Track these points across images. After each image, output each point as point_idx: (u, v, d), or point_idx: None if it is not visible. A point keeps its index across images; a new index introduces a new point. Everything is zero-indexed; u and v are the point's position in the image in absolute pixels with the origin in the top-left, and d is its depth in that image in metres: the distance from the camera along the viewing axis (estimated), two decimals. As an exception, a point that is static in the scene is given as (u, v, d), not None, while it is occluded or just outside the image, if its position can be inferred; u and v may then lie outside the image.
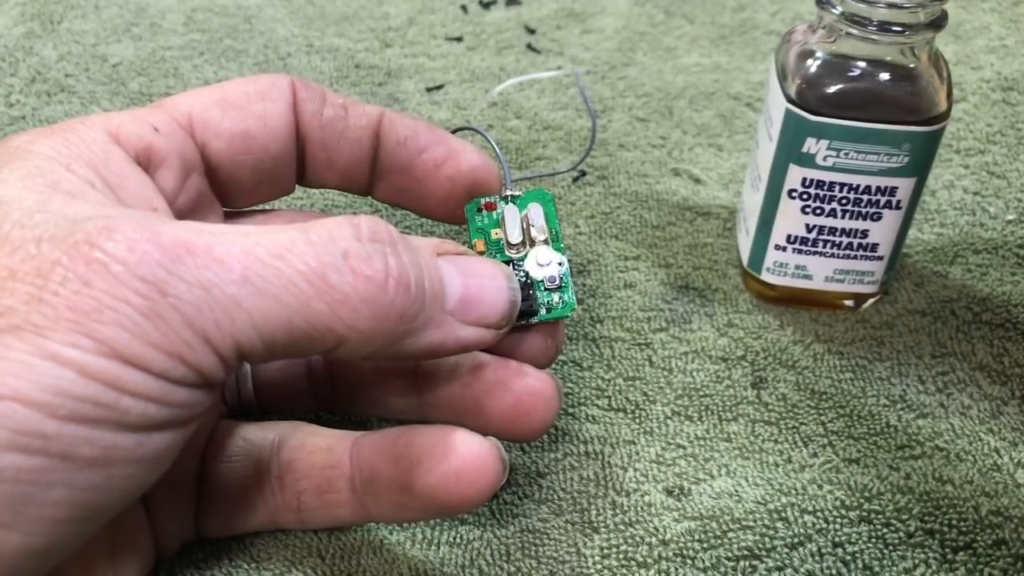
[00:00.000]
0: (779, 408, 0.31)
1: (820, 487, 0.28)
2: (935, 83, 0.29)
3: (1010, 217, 0.38)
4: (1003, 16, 0.51)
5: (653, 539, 0.27)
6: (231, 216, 0.29)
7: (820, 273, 0.33)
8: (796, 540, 0.27)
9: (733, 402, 0.31)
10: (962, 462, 0.29)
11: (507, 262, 0.27)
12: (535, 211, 0.27)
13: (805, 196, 0.31)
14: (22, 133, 0.23)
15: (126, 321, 0.19)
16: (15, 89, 0.45)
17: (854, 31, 0.29)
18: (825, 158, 0.30)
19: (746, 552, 0.27)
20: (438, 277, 0.23)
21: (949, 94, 0.30)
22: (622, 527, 0.28)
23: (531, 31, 0.50)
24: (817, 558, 0.27)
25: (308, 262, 0.20)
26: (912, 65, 0.29)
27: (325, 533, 0.27)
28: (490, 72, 0.47)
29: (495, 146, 0.29)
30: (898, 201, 0.31)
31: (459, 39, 0.50)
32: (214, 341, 0.20)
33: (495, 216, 0.28)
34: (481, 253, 0.27)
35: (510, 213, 0.27)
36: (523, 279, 0.26)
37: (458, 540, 0.27)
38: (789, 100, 0.30)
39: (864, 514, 0.28)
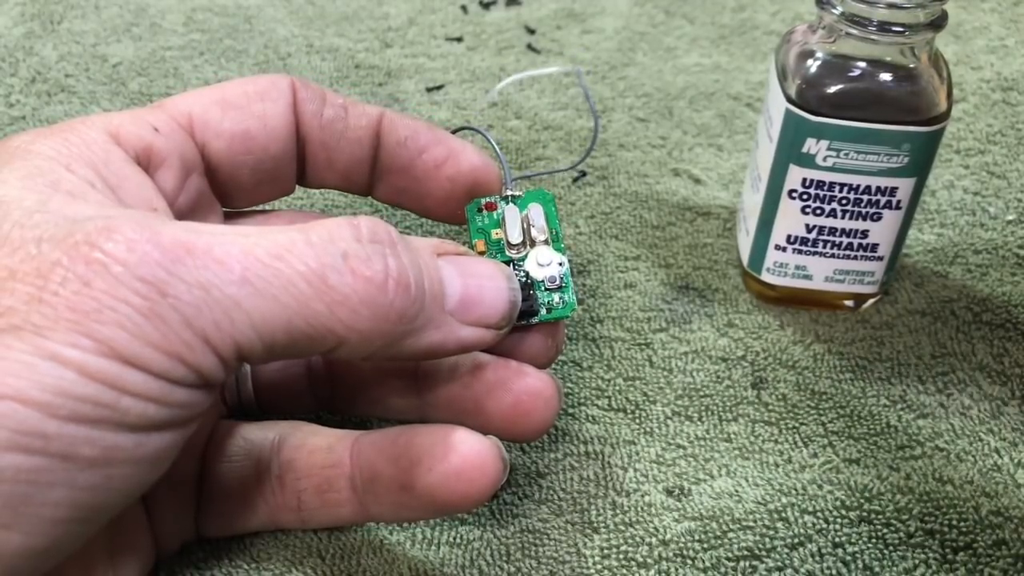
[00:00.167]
0: (779, 408, 0.31)
1: (820, 487, 0.28)
2: (935, 83, 0.29)
3: (1010, 217, 0.38)
4: (1003, 16, 0.51)
5: (653, 539, 0.27)
6: (231, 216, 0.29)
7: (820, 273, 0.33)
8: (796, 540, 0.27)
9: (733, 402, 0.31)
10: (962, 462, 0.29)
11: (507, 262, 0.27)
12: (535, 211, 0.27)
13: (805, 196, 0.31)
14: (22, 133, 0.23)
15: (126, 321, 0.19)
16: (15, 89, 0.45)
17: (854, 31, 0.29)
18: (825, 158, 0.30)
19: (746, 552, 0.27)
20: (438, 278, 0.23)
21: (949, 94, 0.30)
22: (622, 527, 0.28)
23: (531, 31, 0.50)
24: (817, 558, 0.27)
25: (308, 263, 0.20)
26: (912, 65, 0.29)
27: (325, 533, 0.27)
28: (490, 72, 0.47)
29: (495, 146, 0.29)
30: (898, 201, 0.31)
31: (459, 39, 0.50)
32: (213, 341, 0.20)
33: (495, 216, 0.28)
34: (481, 253, 0.27)
35: (510, 213, 0.27)
36: (523, 279, 0.26)
37: (458, 540, 0.27)
38: (789, 100, 0.30)
39: (864, 514, 0.28)
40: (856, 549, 0.27)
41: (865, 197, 0.31)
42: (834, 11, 0.29)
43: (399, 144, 0.28)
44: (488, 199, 0.28)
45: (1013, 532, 0.27)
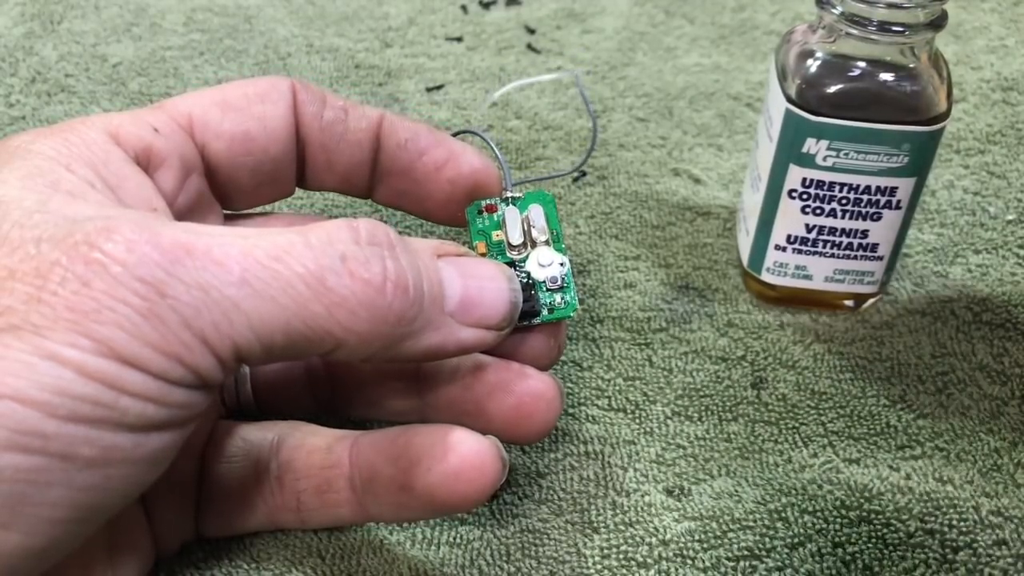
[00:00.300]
0: (779, 408, 0.31)
1: (820, 487, 0.28)
2: (935, 83, 0.29)
3: (1010, 217, 0.38)
4: (1003, 16, 0.51)
5: (653, 539, 0.27)
6: (231, 218, 0.29)
7: (820, 273, 0.33)
8: (796, 540, 0.27)
9: (733, 402, 0.31)
10: (962, 462, 0.29)
11: (509, 263, 0.27)
12: (536, 212, 0.27)
13: (805, 196, 0.31)
14: (22, 133, 0.23)
15: (125, 322, 0.19)
16: (15, 89, 0.45)
17: (854, 31, 0.29)
18: (825, 158, 0.30)
19: (746, 552, 0.27)
20: (437, 279, 0.23)
21: (949, 94, 0.30)
22: (622, 527, 0.28)
23: (531, 31, 0.50)
24: (817, 558, 0.27)
25: (306, 265, 0.20)
26: (912, 65, 0.29)
27: (325, 533, 0.27)
28: (490, 72, 0.47)
29: (495, 149, 0.29)
30: (898, 201, 0.31)
31: (459, 39, 0.50)
32: (212, 342, 0.20)
33: (496, 218, 0.28)
34: (482, 255, 0.27)
35: (511, 215, 0.27)
36: (525, 280, 0.26)
37: (458, 540, 0.27)
38: (789, 100, 0.30)
39: (864, 514, 0.28)
40: (856, 549, 0.27)
41: (865, 197, 0.31)
42: (834, 11, 0.29)
43: (399, 146, 0.28)
44: (488, 201, 0.28)
45: (1013, 532, 0.27)
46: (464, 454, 0.23)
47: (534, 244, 0.27)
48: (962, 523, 0.27)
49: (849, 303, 0.34)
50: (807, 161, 0.30)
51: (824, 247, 0.32)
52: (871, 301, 0.34)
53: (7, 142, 0.23)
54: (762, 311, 0.34)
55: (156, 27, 0.50)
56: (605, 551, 0.27)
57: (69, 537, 0.20)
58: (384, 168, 0.28)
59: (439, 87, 0.46)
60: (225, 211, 0.28)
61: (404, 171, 0.28)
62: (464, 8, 0.52)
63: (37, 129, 0.23)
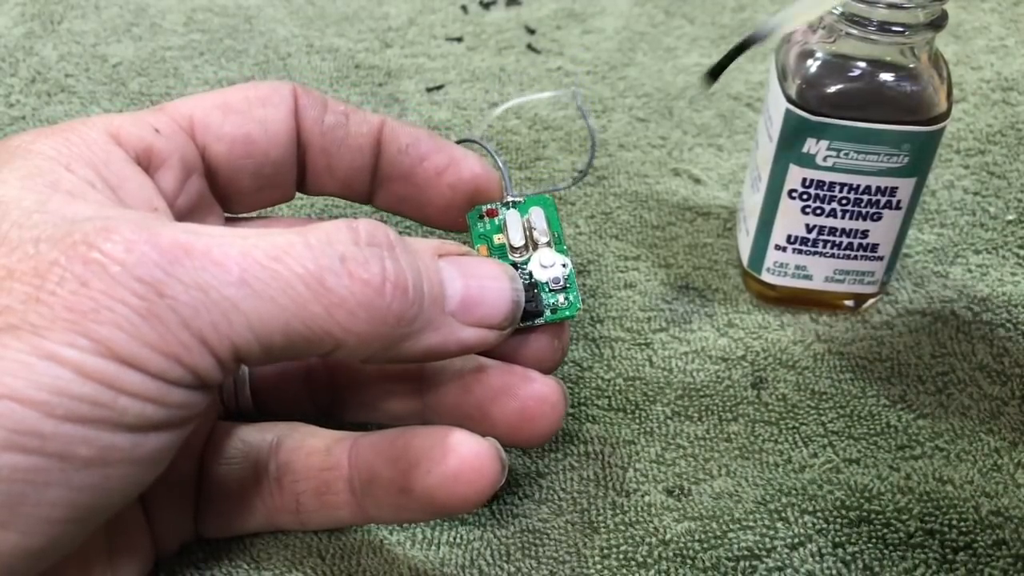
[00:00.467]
0: (779, 408, 0.31)
1: (820, 487, 0.28)
2: (935, 83, 0.29)
3: (1010, 217, 0.38)
4: (1003, 16, 0.51)
5: (653, 539, 0.27)
6: (231, 221, 0.29)
7: (820, 273, 0.33)
8: (796, 540, 0.27)
9: (733, 402, 0.31)
10: (962, 462, 0.29)
11: (511, 266, 0.27)
12: (537, 215, 0.27)
13: (805, 196, 0.31)
14: (23, 133, 0.23)
15: (123, 321, 0.19)
16: (15, 89, 0.45)
17: (854, 31, 0.29)
18: (825, 158, 0.30)
19: (746, 552, 0.27)
20: (438, 279, 0.23)
21: (949, 94, 0.30)
22: (622, 527, 0.27)
23: (531, 31, 0.50)
24: (817, 558, 0.27)
25: (306, 265, 0.20)
26: (912, 65, 0.29)
27: (325, 533, 0.27)
28: (490, 72, 0.47)
29: (496, 156, 0.29)
30: (898, 201, 0.31)
31: (459, 39, 0.50)
32: (211, 343, 0.20)
33: (497, 222, 0.28)
34: None
35: (512, 218, 0.27)
36: (527, 281, 0.26)
37: (458, 540, 0.27)
38: (789, 100, 0.30)
39: (864, 514, 0.28)
40: (856, 549, 0.27)
41: (865, 197, 0.31)
42: (834, 11, 0.29)
43: (400, 151, 0.28)
44: (489, 206, 0.28)
45: (1013, 532, 0.27)
46: (463, 456, 0.23)
47: (536, 246, 0.27)
48: (962, 523, 0.27)
49: (849, 303, 0.34)
50: (807, 161, 0.30)
51: (824, 247, 0.32)
52: (871, 301, 0.34)
53: (8, 142, 0.23)
54: (762, 311, 0.34)
55: (156, 27, 0.50)
56: (605, 551, 0.27)
57: (68, 537, 0.20)
58: (385, 173, 0.29)
59: (439, 87, 0.46)
60: (226, 214, 0.28)
61: (405, 176, 0.28)
62: (464, 8, 0.52)
63: (38, 129, 0.23)
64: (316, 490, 0.25)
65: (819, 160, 0.30)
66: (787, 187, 0.31)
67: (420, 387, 0.27)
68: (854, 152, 0.30)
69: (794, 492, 0.28)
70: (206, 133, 0.26)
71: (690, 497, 0.28)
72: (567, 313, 0.26)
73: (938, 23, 0.28)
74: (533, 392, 0.25)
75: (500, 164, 0.28)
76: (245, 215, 0.30)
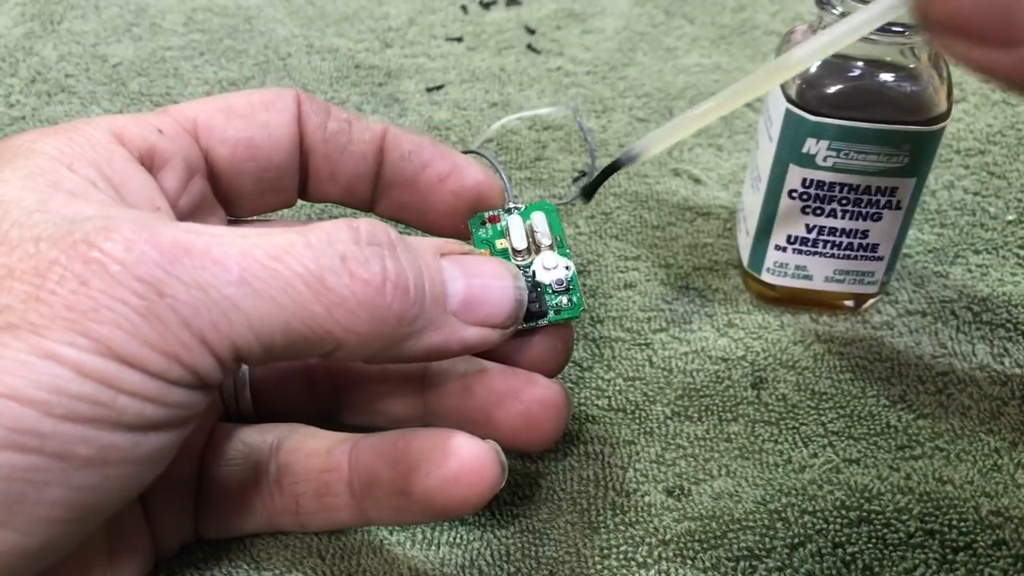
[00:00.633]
0: (779, 408, 0.31)
1: (820, 487, 0.28)
2: (935, 83, 0.29)
3: (1010, 217, 0.38)
4: (1004, 16, 0.51)
5: (653, 539, 0.27)
6: (232, 224, 0.29)
7: (820, 273, 0.33)
8: (796, 540, 0.27)
9: (733, 402, 0.31)
10: (962, 462, 0.29)
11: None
12: (539, 219, 0.27)
13: (805, 196, 0.31)
14: (26, 132, 0.23)
15: (123, 321, 0.19)
16: (15, 89, 0.45)
17: (854, 31, 0.29)
18: (825, 158, 0.30)
19: (746, 552, 0.27)
20: (439, 279, 0.23)
21: (949, 94, 0.30)
22: (622, 527, 0.27)
23: (531, 31, 0.50)
24: (817, 559, 0.27)
25: (306, 264, 0.20)
26: (912, 65, 0.29)
27: (325, 534, 0.27)
28: (490, 72, 0.47)
29: (498, 165, 0.29)
30: (898, 201, 0.31)
31: (459, 39, 0.50)
32: (211, 342, 0.19)
33: (499, 228, 0.28)
34: None
35: (514, 222, 0.27)
36: (530, 282, 0.26)
37: (458, 541, 0.27)
38: (789, 100, 0.30)
39: (864, 514, 0.28)
40: (856, 549, 0.27)
41: (865, 197, 0.31)
42: (834, 11, 0.29)
43: (403, 158, 0.28)
44: (491, 212, 0.28)
45: (1013, 532, 0.27)
46: (463, 458, 0.23)
47: (538, 249, 0.27)
48: (962, 523, 0.27)
49: (849, 303, 0.34)
50: (807, 161, 0.30)
51: (824, 247, 0.32)
52: (871, 301, 0.34)
53: (10, 141, 0.23)
54: (762, 311, 0.34)
55: (156, 27, 0.50)
56: (605, 551, 0.27)
57: (67, 537, 0.20)
58: (387, 180, 0.29)
59: (439, 87, 0.46)
60: (228, 218, 0.28)
61: (407, 183, 0.28)
62: (464, 8, 0.52)
63: (41, 128, 0.23)
64: (316, 492, 0.25)
65: (819, 160, 0.30)
66: (787, 187, 0.31)
67: (422, 389, 0.27)
68: (854, 152, 0.30)
69: (794, 492, 0.28)
70: (209, 136, 0.26)
71: (690, 497, 0.28)
72: (571, 313, 0.26)
73: (938, 23, 0.28)
74: (537, 396, 0.25)
75: (500, 171, 0.29)
76: (246, 219, 0.30)
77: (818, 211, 0.31)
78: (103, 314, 0.19)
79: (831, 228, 0.32)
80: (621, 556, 0.27)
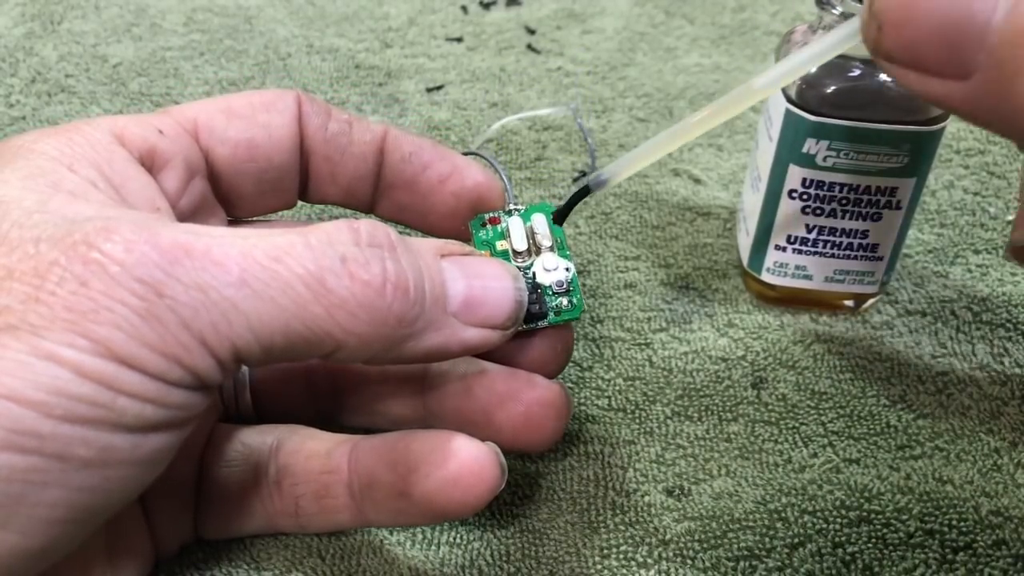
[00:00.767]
0: (779, 408, 0.31)
1: (820, 487, 0.28)
2: (935, 83, 0.29)
3: (1010, 217, 0.38)
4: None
5: (653, 539, 0.27)
6: (233, 225, 0.29)
7: (820, 273, 0.33)
8: (796, 540, 0.27)
9: (733, 402, 0.31)
10: (962, 462, 0.29)
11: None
12: (539, 221, 0.27)
13: (805, 196, 0.31)
14: (26, 133, 0.23)
15: (122, 322, 0.19)
16: (15, 89, 0.45)
17: (854, 31, 0.29)
18: (825, 158, 0.30)
19: (746, 552, 0.27)
20: (440, 280, 0.23)
21: (949, 94, 0.30)
22: (622, 527, 0.27)
23: (531, 31, 0.50)
24: (817, 558, 0.27)
25: (306, 265, 0.20)
26: (912, 65, 0.29)
27: (325, 534, 0.27)
28: (490, 72, 0.47)
29: (499, 167, 0.29)
30: (898, 201, 0.31)
31: (459, 39, 0.50)
32: (211, 343, 0.19)
33: (499, 229, 0.28)
34: None
35: (515, 223, 0.27)
36: (530, 284, 0.26)
37: (458, 541, 0.27)
38: (789, 100, 0.30)
39: (864, 514, 0.28)
40: (856, 549, 0.27)
41: (865, 197, 0.31)
42: (834, 11, 0.29)
43: (403, 160, 0.28)
44: (491, 214, 0.28)
45: (1013, 532, 0.27)
46: (463, 460, 0.23)
47: (539, 251, 0.27)
48: (962, 523, 0.27)
49: (849, 303, 0.34)
50: (807, 161, 0.30)
51: (824, 247, 0.32)
52: (871, 301, 0.34)
53: (10, 141, 0.23)
54: (762, 311, 0.34)
55: (156, 27, 0.50)
56: (605, 551, 0.27)
57: (67, 538, 0.20)
58: (387, 181, 0.29)
59: (439, 87, 0.46)
60: (227, 218, 0.28)
61: (407, 184, 0.29)
62: (464, 8, 0.52)
63: (41, 129, 0.23)
64: (315, 493, 0.25)
65: (819, 160, 0.30)
66: (787, 187, 0.31)
67: (422, 391, 0.27)
68: (854, 152, 0.30)
69: (794, 492, 0.28)
70: (210, 136, 0.26)
71: (690, 497, 0.28)
72: (571, 315, 0.26)
73: (938, 23, 0.28)
74: (537, 397, 0.25)
75: (501, 173, 0.29)
76: (247, 220, 0.30)
77: (818, 211, 0.31)
78: (103, 315, 0.19)
79: (831, 228, 0.32)
80: (621, 556, 0.27)
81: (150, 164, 0.25)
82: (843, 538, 0.27)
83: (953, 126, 0.43)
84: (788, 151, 0.30)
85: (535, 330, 0.26)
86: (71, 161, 0.22)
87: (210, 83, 0.46)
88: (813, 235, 0.32)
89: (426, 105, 0.45)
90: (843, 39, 0.22)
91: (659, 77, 0.47)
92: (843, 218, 0.31)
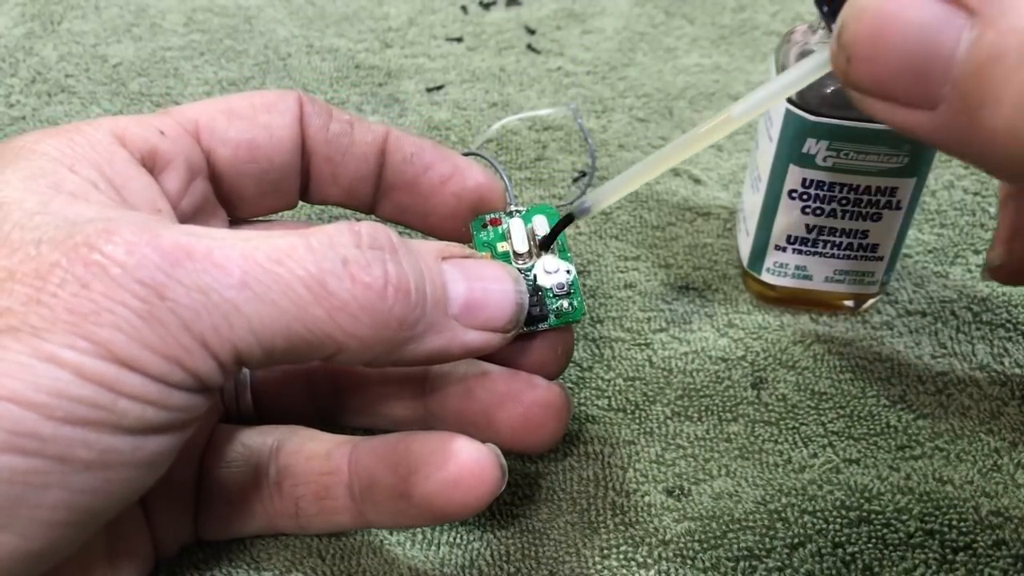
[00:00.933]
0: (779, 408, 0.31)
1: (820, 487, 0.28)
2: (935, 83, 0.29)
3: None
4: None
5: (653, 539, 0.27)
6: (234, 226, 0.29)
7: (820, 273, 0.33)
8: (796, 541, 0.27)
9: (733, 402, 0.31)
10: (962, 462, 0.29)
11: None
12: (540, 222, 0.28)
13: (805, 196, 0.31)
14: (27, 133, 0.23)
15: (124, 324, 0.19)
16: (15, 89, 0.45)
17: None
18: (825, 158, 0.30)
19: (746, 552, 0.27)
20: (441, 282, 0.23)
21: (949, 94, 0.30)
22: (622, 527, 0.28)
23: (531, 31, 0.50)
24: (817, 559, 0.27)
25: (307, 268, 0.20)
26: (912, 65, 0.29)
27: (325, 534, 0.27)
28: (490, 72, 0.47)
29: (500, 168, 0.29)
30: (898, 201, 0.31)
31: (459, 39, 0.50)
32: (212, 346, 0.19)
33: (500, 230, 0.28)
34: None
35: (516, 225, 0.27)
36: (531, 286, 0.26)
37: (458, 541, 0.27)
38: (789, 100, 0.30)
39: (864, 514, 0.28)
40: (856, 549, 0.27)
41: (865, 197, 0.31)
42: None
43: (405, 160, 0.28)
44: (492, 215, 0.28)
45: (1013, 532, 0.27)
46: (464, 462, 0.23)
47: (540, 253, 0.27)
48: (962, 523, 0.27)
49: (849, 303, 0.34)
50: (807, 161, 0.30)
51: (824, 247, 0.32)
52: (871, 301, 0.34)
53: (11, 142, 0.23)
54: (762, 311, 0.34)
55: (156, 27, 0.50)
56: (605, 551, 0.27)
57: (67, 540, 0.20)
58: (388, 182, 0.29)
59: (439, 87, 0.46)
60: (228, 218, 0.28)
61: (409, 185, 0.29)
62: (464, 8, 0.52)
63: (42, 129, 0.23)
64: (315, 494, 0.25)
65: (819, 160, 0.30)
66: (787, 187, 0.31)
67: (423, 392, 0.27)
68: (854, 152, 0.30)
69: (794, 492, 0.28)
70: (211, 137, 0.26)
71: (690, 497, 0.28)
72: (572, 317, 0.26)
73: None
74: (537, 398, 0.25)
75: (502, 174, 0.29)
76: (248, 220, 0.30)
77: (818, 211, 0.31)
78: (104, 317, 0.19)
79: (831, 228, 0.32)
80: (621, 556, 0.27)
81: (151, 165, 0.25)
82: (843, 538, 0.27)
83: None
84: (788, 151, 0.30)
85: (536, 332, 0.26)
86: (72, 162, 0.22)
87: (210, 83, 0.46)
88: (813, 235, 0.32)
89: (426, 105, 0.45)
90: (814, 69, 0.22)
91: (659, 77, 0.47)
92: (843, 218, 0.31)
